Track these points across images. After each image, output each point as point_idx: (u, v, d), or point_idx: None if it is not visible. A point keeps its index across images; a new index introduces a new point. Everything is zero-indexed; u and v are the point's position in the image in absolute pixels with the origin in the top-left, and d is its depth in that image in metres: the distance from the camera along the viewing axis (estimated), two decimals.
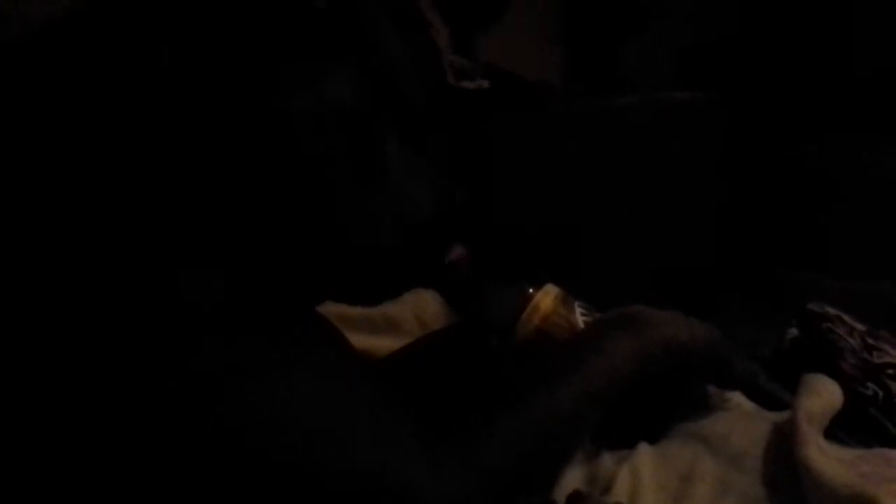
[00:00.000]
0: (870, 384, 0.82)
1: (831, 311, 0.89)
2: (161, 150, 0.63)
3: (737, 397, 0.80)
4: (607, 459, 0.75)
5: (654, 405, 0.78)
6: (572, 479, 0.73)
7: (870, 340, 0.86)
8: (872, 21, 1.62)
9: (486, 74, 1.42)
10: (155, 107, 0.63)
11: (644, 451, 0.75)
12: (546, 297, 0.77)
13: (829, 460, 0.67)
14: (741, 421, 0.76)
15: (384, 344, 0.90)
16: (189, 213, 0.63)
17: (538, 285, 0.79)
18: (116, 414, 0.58)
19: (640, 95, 1.43)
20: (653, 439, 0.76)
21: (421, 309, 1.00)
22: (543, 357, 0.72)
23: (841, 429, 0.76)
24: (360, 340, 0.82)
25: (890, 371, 0.83)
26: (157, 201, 0.62)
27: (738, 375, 0.79)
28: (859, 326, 0.88)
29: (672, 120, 1.41)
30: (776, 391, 0.80)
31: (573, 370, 0.69)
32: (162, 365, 0.58)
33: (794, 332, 0.89)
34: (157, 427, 0.58)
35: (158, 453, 0.58)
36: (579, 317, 0.77)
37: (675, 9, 1.72)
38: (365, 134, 0.69)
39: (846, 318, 0.88)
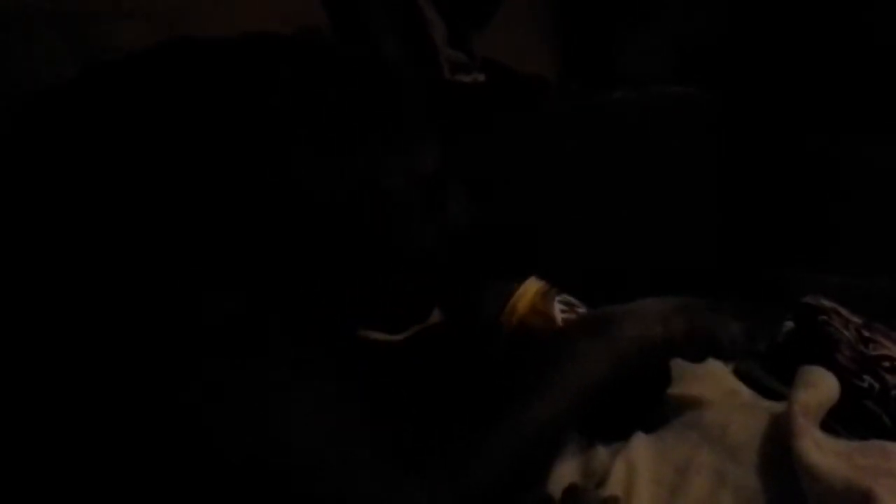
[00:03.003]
0: (866, 376, 0.82)
1: (827, 303, 0.88)
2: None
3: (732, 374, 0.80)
4: (602, 452, 0.75)
5: (645, 396, 0.78)
6: (567, 472, 0.73)
7: (866, 333, 0.86)
8: (882, 12, 1.61)
9: (482, 68, 1.42)
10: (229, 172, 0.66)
11: (639, 442, 0.74)
12: (525, 295, 0.78)
13: (825, 453, 0.66)
14: (739, 412, 0.75)
15: (376, 336, 0.89)
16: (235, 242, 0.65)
17: (522, 280, 0.79)
18: (117, 420, 0.59)
19: (636, 89, 1.43)
20: (648, 429, 0.76)
21: None
22: (517, 366, 0.72)
23: (837, 421, 0.75)
24: None
25: (886, 363, 0.83)
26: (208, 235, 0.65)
27: (727, 347, 0.78)
28: (855, 319, 0.87)
29: (669, 114, 1.41)
30: (772, 384, 0.79)
31: (544, 382, 0.69)
32: (162, 380, 0.59)
33: (789, 324, 0.89)
34: (146, 437, 0.59)
35: (142, 460, 0.59)
36: (558, 313, 0.78)
37: (673, 1, 1.72)
38: (438, 183, 0.74)
39: (842, 310, 0.88)
